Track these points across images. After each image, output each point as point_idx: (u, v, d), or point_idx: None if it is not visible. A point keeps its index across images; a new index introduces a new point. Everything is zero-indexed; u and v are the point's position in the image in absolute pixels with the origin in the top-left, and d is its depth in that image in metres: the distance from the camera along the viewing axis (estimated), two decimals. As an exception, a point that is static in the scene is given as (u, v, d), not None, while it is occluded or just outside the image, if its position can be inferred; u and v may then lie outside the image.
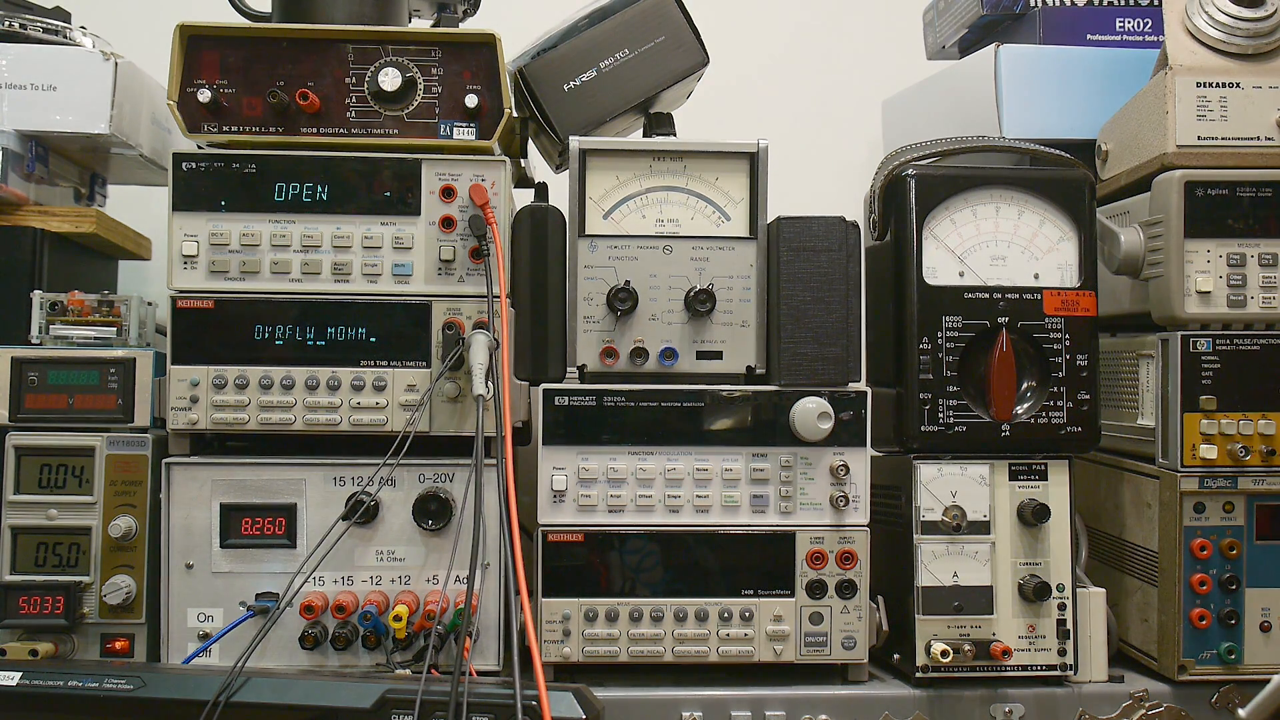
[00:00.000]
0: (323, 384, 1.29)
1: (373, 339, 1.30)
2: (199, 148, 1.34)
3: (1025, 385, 1.33)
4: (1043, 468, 1.32)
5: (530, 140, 1.50)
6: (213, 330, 1.29)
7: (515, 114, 1.40)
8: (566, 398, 1.29)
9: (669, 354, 1.31)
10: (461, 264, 1.31)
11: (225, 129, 1.30)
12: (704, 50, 1.42)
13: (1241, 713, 1.13)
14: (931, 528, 1.30)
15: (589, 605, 1.28)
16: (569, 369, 1.32)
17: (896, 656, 1.33)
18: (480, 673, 1.24)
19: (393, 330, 1.30)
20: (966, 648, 1.28)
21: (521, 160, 1.51)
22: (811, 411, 1.27)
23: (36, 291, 1.35)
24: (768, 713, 1.26)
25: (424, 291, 1.31)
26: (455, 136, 1.31)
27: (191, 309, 1.29)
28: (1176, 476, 1.32)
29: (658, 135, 1.42)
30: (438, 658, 1.23)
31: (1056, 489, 1.32)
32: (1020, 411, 1.32)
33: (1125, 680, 1.33)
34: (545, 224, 1.32)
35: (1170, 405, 1.33)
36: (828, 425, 1.27)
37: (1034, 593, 1.29)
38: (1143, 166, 1.39)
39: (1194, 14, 1.37)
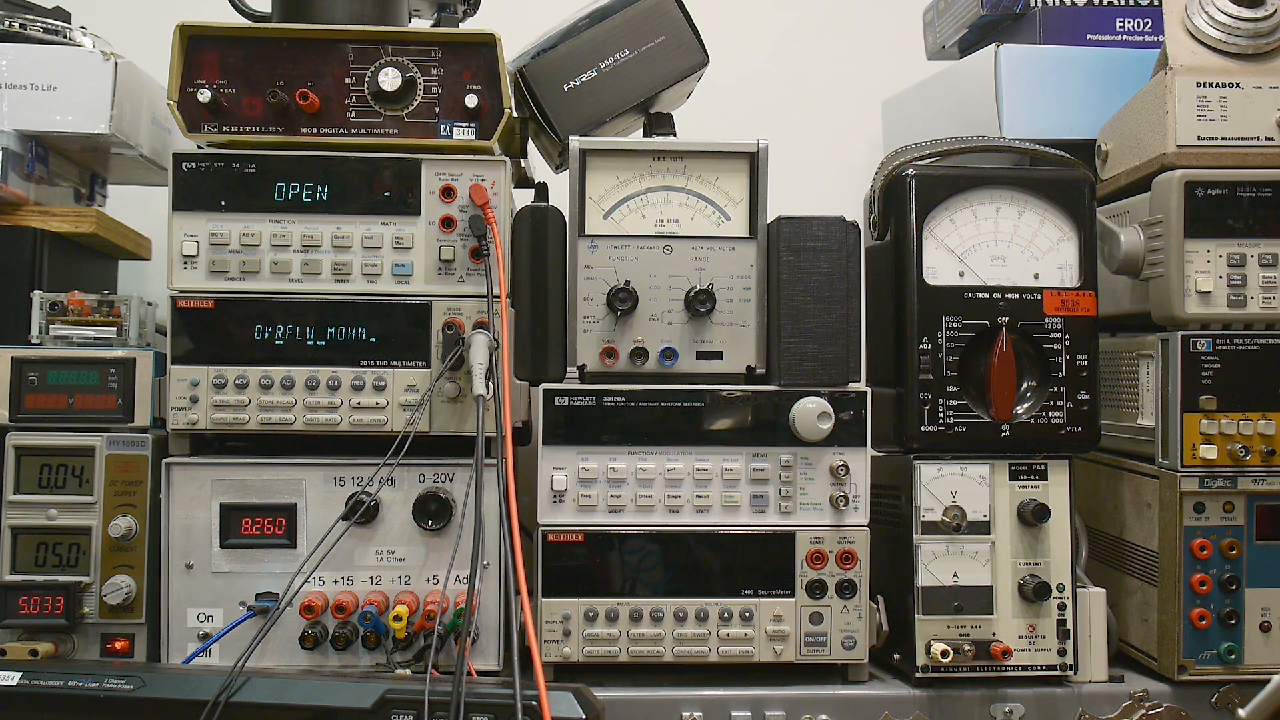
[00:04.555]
0: (323, 384, 1.29)
1: (373, 339, 1.30)
2: (199, 148, 1.34)
3: (1025, 385, 1.33)
4: (1043, 468, 1.32)
5: (530, 140, 1.50)
6: (213, 330, 1.29)
7: (515, 114, 1.40)
8: (566, 398, 1.29)
9: (669, 354, 1.31)
10: (461, 264, 1.31)
11: (225, 129, 1.30)
12: (704, 50, 1.42)
13: (1241, 713, 1.13)
14: (931, 528, 1.30)
15: (589, 605, 1.28)
16: (569, 369, 1.32)
17: (896, 656, 1.33)
18: (480, 673, 1.24)
19: (393, 330, 1.30)
20: (966, 648, 1.28)
21: (521, 160, 1.51)
22: (811, 411, 1.27)
23: (36, 291, 1.35)
24: (768, 713, 1.26)
25: (424, 291, 1.31)
26: (455, 136, 1.31)
27: (191, 309, 1.29)
28: (1176, 476, 1.32)
29: (658, 135, 1.43)
30: (438, 658, 1.23)
31: (1056, 489, 1.32)
32: (1020, 411, 1.32)
33: (1125, 680, 1.33)
34: (545, 224, 1.32)
35: (1170, 405, 1.33)
36: (828, 425, 1.28)
37: (1034, 593, 1.29)
38: (1143, 166, 1.39)
39: (1194, 14, 1.37)
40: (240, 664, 1.15)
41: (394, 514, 1.29)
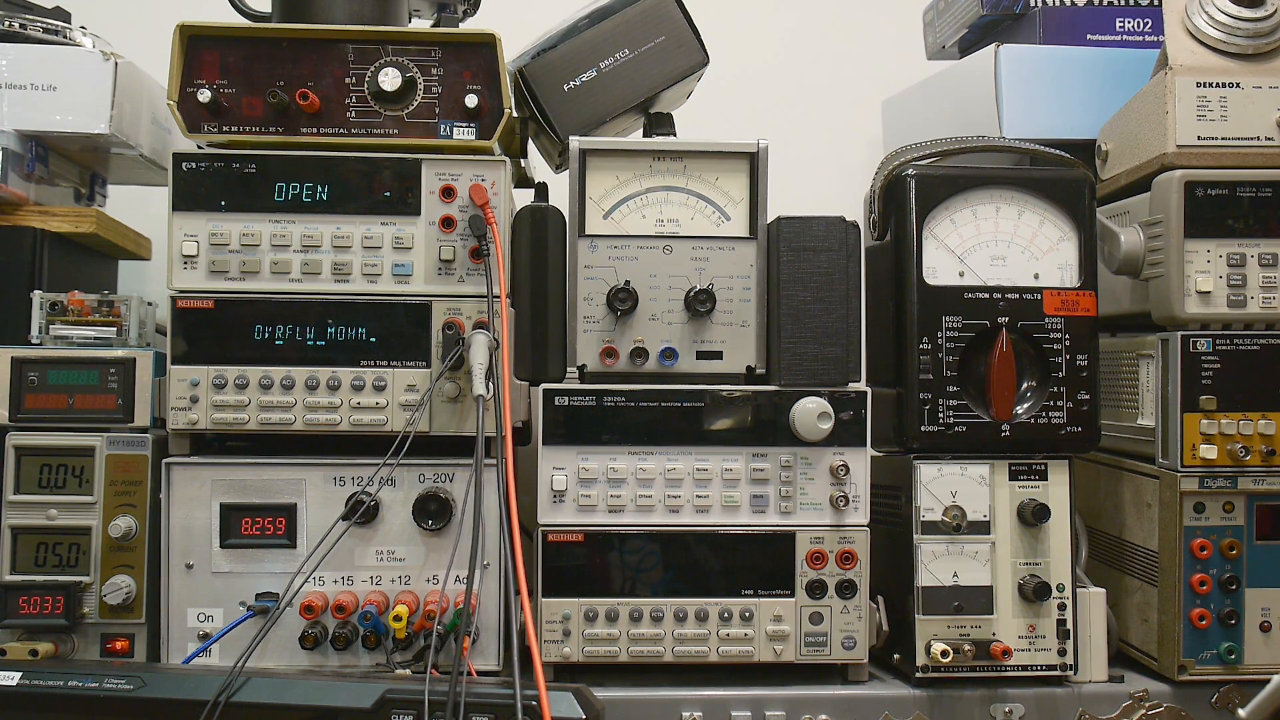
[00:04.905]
0: (323, 384, 1.29)
1: (373, 339, 1.30)
2: (199, 148, 1.34)
3: (1025, 385, 1.33)
4: (1043, 468, 1.32)
5: (530, 140, 1.50)
6: (213, 330, 1.29)
7: (515, 114, 1.40)
8: (566, 398, 1.29)
9: (669, 354, 1.31)
10: (461, 264, 1.31)
11: (225, 129, 1.30)
12: (704, 50, 1.42)
13: (1241, 713, 1.13)
14: (931, 528, 1.30)
15: (589, 605, 1.28)
16: (569, 369, 1.32)
17: (896, 656, 1.33)
18: (480, 673, 1.24)
19: (393, 330, 1.30)
20: (966, 648, 1.28)
21: (521, 160, 1.51)
22: (811, 411, 1.27)
23: (36, 291, 1.35)
24: (768, 713, 1.26)
25: (424, 291, 1.31)
26: (455, 136, 1.31)
27: (191, 309, 1.29)
28: (1176, 476, 1.32)
29: (658, 135, 1.42)
30: (438, 658, 1.23)
31: (1056, 489, 1.32)
32: (1020, 411, 1.32)
33: (1125, 680, 1.33)
34: (545, 224, 1.32)
35: (1170, 405, 1.33)
36: (828, 425, 1.27)
37: (1034, 593, 1.29)
38: (1143, 166, 1.39)
39: (1194, 14, 1.37)
40: (240, 664, 1.15)
41: (394, 514, 1.29)
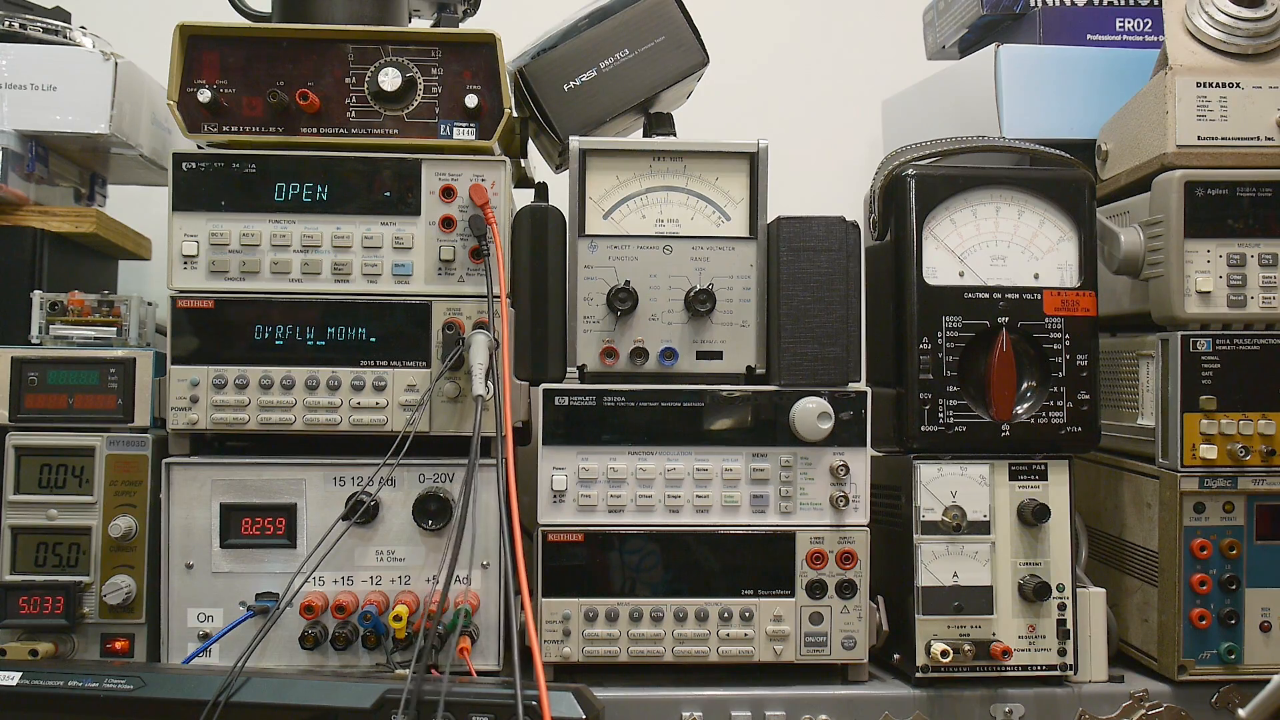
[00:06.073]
0: (323, 384, 1.29)
1: (373, 339, 1.30)
2: (199, 148, 1.34)
3: (1025, 385, 1.33)
4: (1043, 468, 1.32)
5: (530, 140, 1.50)
6: (213, 330, 1.29)
7: (515, 114, 1.40)
8: (566, 398, 1.29)
9: (669, 354, 1.31)
10: (461, 264, 1.31)
11: (225, 129, 1.30)
12: (704, 50, 1.42)
13: (1241, 713, 1.13)
14: (931, 528, 1.30)
15: (589, 605, 1.28)
16: (569, 369, 1.32)
17: (897, 656, 1.33)
18: (480, 673, 1.24)
19: (393, 330, 1.30)
20: (966, 648, 1.28)
21: (521, 160, 1.51)
22: (811, 411, 1.27)
23: (36, 291, 1.35)
24: (768, 713, 1.26)
25: (424, 291, 1.31)
26: (455, 136, 1.31)
27: (191, 309, 1.29)
28: (1176, 476, 1.32)
29: (658, 135, 1.43)
30: (437, 658, 1.23)
31: (1056, 489, 1.32)
32: (1020, 411, 1.32)
33: (1125, 680, 1.33)
34: (545, 224, 1.32)
35: (1170, 405, 1.33)
36: (828, 425, 1.28)
37: (1034, 593, 1.29)
38: (1143, 166, 1.39)
39: (1194, 14, 1.37)
40: (240, 664, 1.15)
41: (394, 514, 1.29)
